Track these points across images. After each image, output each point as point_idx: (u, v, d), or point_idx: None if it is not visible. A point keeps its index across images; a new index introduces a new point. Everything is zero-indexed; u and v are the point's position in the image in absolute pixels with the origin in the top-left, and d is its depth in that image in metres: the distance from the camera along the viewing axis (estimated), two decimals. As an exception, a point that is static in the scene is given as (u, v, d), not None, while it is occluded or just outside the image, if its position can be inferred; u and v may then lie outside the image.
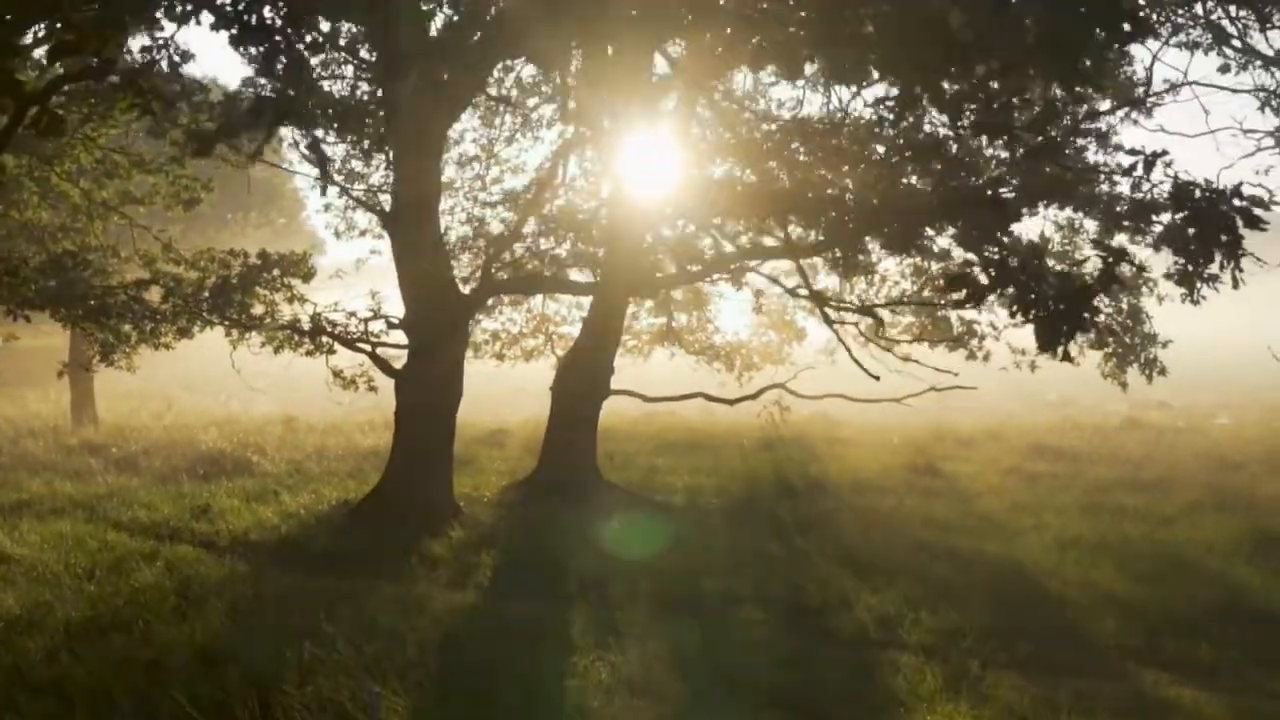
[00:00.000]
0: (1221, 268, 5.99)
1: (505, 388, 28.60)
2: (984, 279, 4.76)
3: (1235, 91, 15.55)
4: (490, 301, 19.30)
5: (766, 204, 10.16)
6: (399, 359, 13.96)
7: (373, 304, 13.55)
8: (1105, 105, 17.27)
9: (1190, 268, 5.87)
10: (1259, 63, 12.89)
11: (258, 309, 14.44)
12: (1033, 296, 4.56)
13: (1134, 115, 17.56)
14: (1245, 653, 8.36)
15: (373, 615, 8.82)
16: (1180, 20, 13.60)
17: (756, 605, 9.76)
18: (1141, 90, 16.66)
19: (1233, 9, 12.92)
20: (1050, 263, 10.37)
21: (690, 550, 11.79)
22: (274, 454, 18.89)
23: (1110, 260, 4.57)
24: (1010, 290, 4.76)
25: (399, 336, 13.84)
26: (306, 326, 14.00)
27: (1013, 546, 12.15)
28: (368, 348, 13.82)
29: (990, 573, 10.82)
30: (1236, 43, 13.93)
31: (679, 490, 15.91)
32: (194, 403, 28.25)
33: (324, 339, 14.20)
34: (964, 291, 4.65)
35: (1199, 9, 13.60)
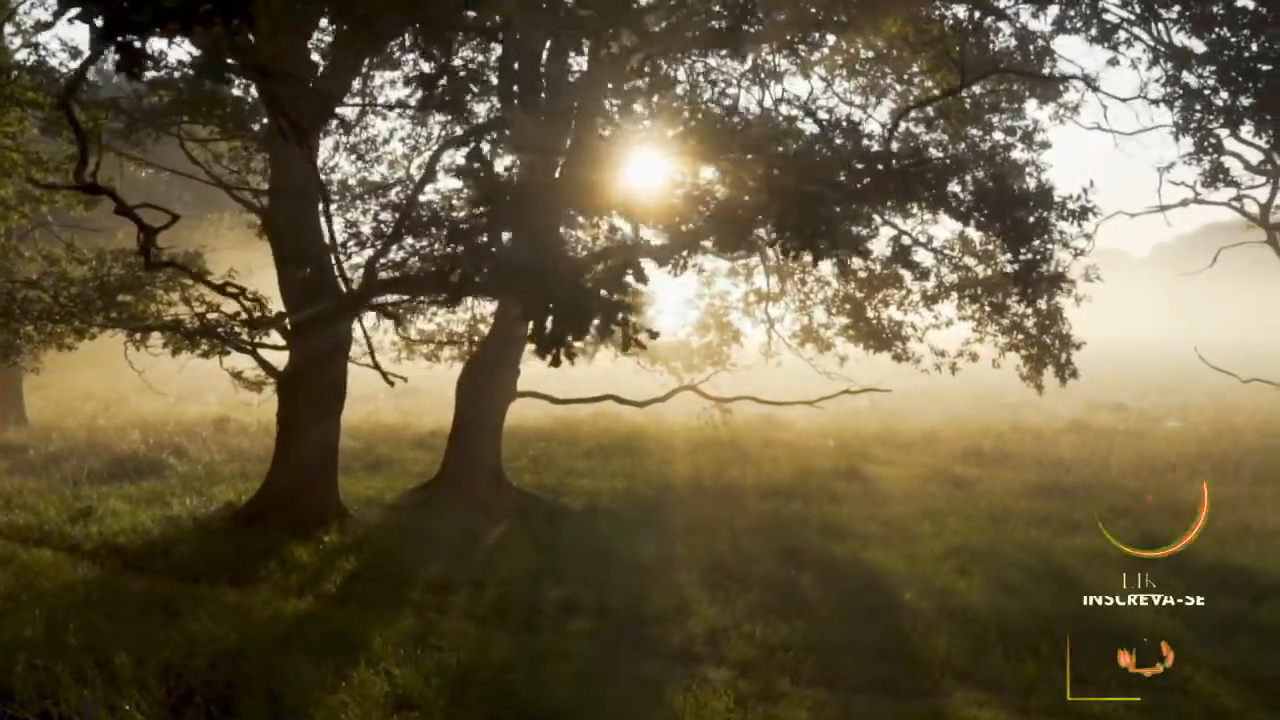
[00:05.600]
0: (818, 259, 5.68)
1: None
2: (455, 277, 4.43)
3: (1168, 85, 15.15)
4: (426, 302, 19.07)
5: (607, 200, 9.84)
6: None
7: (250, 303, 13.27)
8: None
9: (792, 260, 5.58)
10: (1162, 57, 12.43)
11: (151, 308, 14.28)
12: (533, 298, 4.22)
13: (1061, 114, 17.21)
14: (1071, 670, 7.99)
15: (183, 624, 8.60)
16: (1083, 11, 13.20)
17: (593, 615, 9.46)
18: (1062, 86, 16.30)
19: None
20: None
21: (558, 555, 11.50)
22: (194, 455, 18.72)
23: (626, 255, 4.22)
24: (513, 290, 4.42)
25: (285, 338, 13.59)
26: (193, 327, 13.75)
27: (893, 554, 11.78)
28: (252, 349, 13.56)
29: (851, 582, 10.48)
30: (1142, 38, 13.51)
31: (584, 494, 15.63)
32: (149, 404, 28.18)
33: (215, 340, 13.97)
34: (443, 292, 4.32)
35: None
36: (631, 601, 9.78)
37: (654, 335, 5.47)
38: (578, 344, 4.22)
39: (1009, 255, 8.99)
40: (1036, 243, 9.43)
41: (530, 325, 4.17)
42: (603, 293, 4.12)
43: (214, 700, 6.99)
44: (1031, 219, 9.73)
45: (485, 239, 12.42)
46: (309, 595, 10.13)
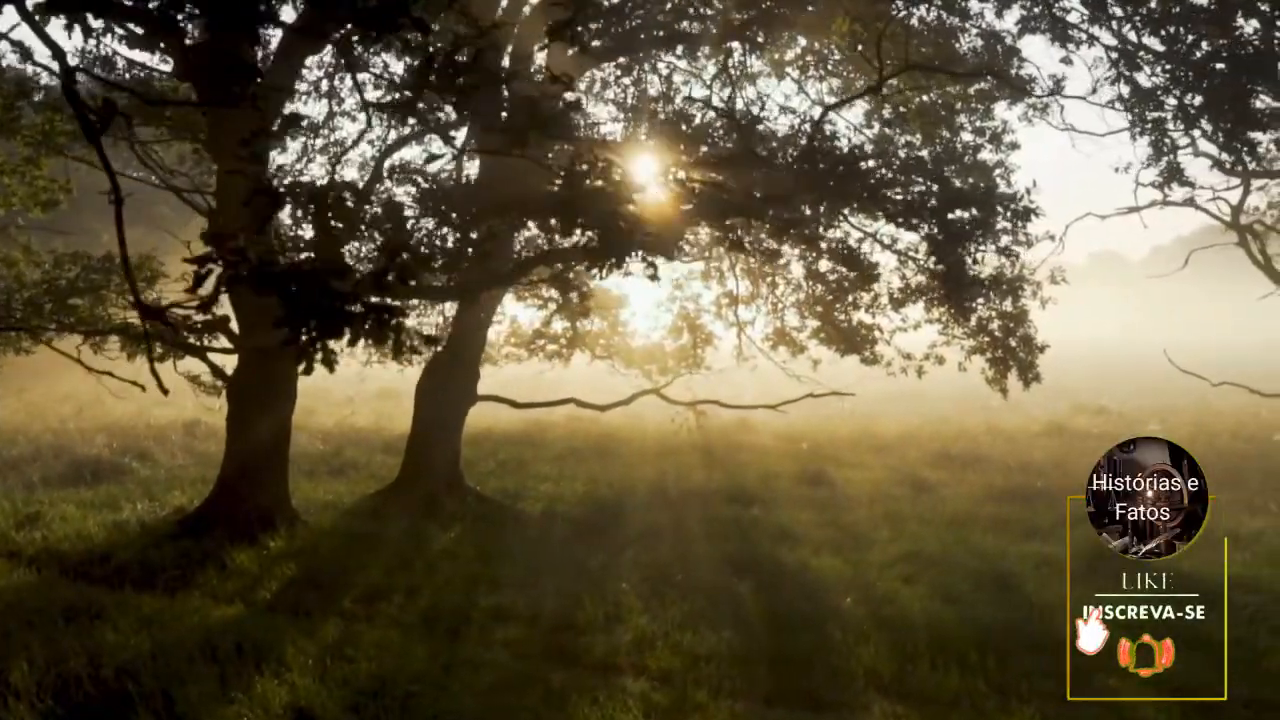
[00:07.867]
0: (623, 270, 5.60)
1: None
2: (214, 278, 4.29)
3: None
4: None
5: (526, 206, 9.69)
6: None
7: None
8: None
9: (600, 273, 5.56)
10: (1116, 58, 12.23)
11: (100, 311, 14.18)
12: (287, 302, 4.06)
13: (1031, 116, 17.03)
14: (996, 682, 7.82)
15: (99, 632, 8.46)
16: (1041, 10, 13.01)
17: (523, 622, 9.29)
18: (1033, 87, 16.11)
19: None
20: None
21: (502, 561, 11.36)
22: (159, 459, 18.61)
23: (391, 255, 4.07)
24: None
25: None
26: (142, 330, 13.62)
27: (841, 561, 11.60)
28: (200, 352, 13.45)
29: (792, 590, 10.30)
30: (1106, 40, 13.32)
31: (544, 498, 15.49)
32: (122, 408, 28.05)
33: (165, 343, 13.85)
34: (203, 300, 4.19)
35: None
36: (564, 609, 9.61)
37: (431, 341, 5.29)
38: (344, 350, 4.07)
39: (936, 257, 8.78)
40: (972, 246, 9.19)
41: (286, 331, 3.98)
42: (370, 298, 3.95)
43: (111, 711, 6.86)
44: (968, 221, 9.52)
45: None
46: (240, 602, 9.99)
